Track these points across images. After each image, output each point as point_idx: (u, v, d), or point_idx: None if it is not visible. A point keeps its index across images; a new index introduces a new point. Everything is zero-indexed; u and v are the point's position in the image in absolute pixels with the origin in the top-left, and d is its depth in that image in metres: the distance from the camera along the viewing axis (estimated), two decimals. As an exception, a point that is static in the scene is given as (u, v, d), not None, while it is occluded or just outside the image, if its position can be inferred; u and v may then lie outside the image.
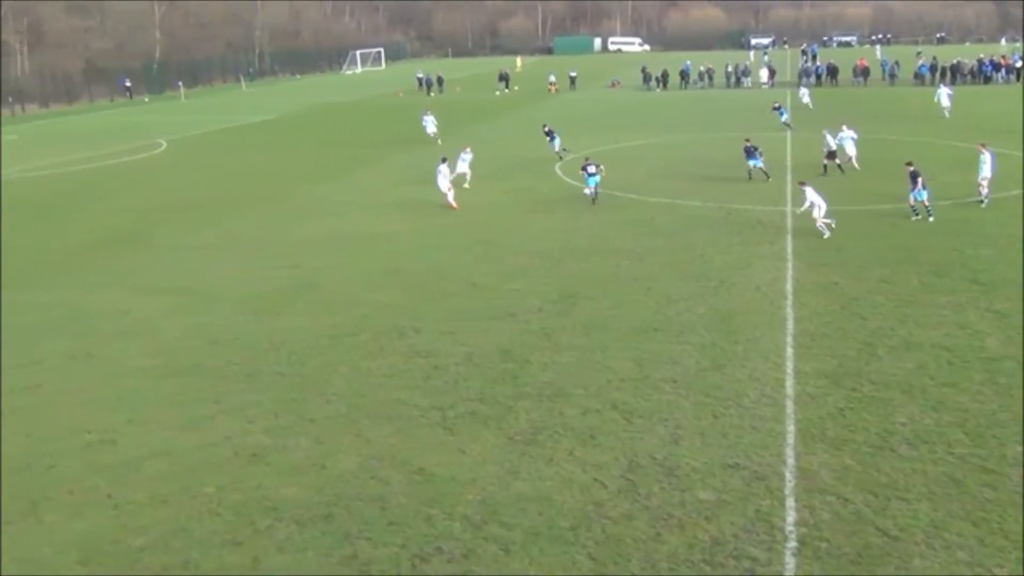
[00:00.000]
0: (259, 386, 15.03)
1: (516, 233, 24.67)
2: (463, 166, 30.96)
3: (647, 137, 42.46)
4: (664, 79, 69.07)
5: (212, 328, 18.08)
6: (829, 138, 30.70)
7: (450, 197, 27.92)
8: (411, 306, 18.88)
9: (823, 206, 22.50)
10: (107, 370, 16.11)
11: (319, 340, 17.06)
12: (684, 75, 70.00)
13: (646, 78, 70.42)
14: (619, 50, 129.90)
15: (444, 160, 28.54)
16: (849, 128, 31.36)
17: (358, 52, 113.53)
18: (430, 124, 42.85)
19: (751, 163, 30.14)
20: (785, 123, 41.88)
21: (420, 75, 77.24)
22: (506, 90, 72.05)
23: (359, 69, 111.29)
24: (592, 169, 27.87)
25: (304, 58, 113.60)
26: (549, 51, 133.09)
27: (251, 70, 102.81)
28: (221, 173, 37.71)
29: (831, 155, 30.46)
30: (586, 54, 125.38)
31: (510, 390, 14.45)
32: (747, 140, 31.15)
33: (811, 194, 22.58)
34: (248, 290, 20.58)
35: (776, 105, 43.89)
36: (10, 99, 73.37)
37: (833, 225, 22.81)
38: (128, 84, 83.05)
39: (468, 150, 31.55)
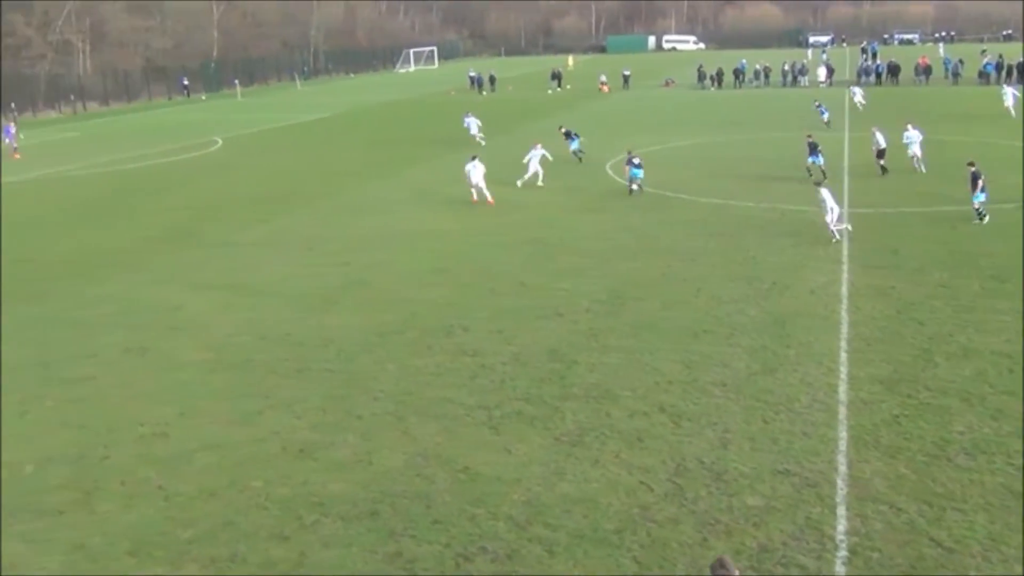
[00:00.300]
0: (307, 382, 15.21)
1: (566, 232, 24.62)
2: (534, 164, 31.03)
3: (700, 136, 42.07)
4: (719, 78, 68.35)
5: (262, 324, 18.35)
6: (879, 136, 30.07)
7: (487, 194, 28.36)
8: (459, 304, 18.95)
9: (836, 209, 22.13)
10: (160, 364, 16.44)
11: (367, 337, 17.21)
12: (739, 73, 69.19)
13: (700, 77, 69.79)
14: (673, 48, 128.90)
15: (475, 158, 29.17)
16: (915, 128, 30.50)
17: (411, 51, 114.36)
18: (473, 125, 42.78)
19: (811, 160, 29.62)
20: (827, 122, 41.32)
21: (472, 74, 77.52)
22: (558, 88, 72.01)
23: (412, 68, 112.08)
24: (637, 161, 28.83)
25: (358, 57, 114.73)
26: (602, 50, 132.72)
27: (306, 69, 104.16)
28: (274, 171, 38.26)
29: (880, 154, 29.84)
30: (640, 52, 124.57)
31: (557, 390, 14.42)
32: (809, 136, 30.75)
33: (826, 195, 22.21)
34: (298, 287, 20.84)
35: (817, 103, 43.55)
36: (72, 97, 75.34)
37: (849, 228, 22.38)
38: (186, 82, 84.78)
39: (538, 146, 31.58)
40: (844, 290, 18.63)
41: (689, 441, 12.51)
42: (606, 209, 27.31)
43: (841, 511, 10.62)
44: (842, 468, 11.58)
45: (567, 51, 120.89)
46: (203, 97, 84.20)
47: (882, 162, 29.81)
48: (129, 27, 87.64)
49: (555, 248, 23.13)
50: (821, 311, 17.46)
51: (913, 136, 30.03)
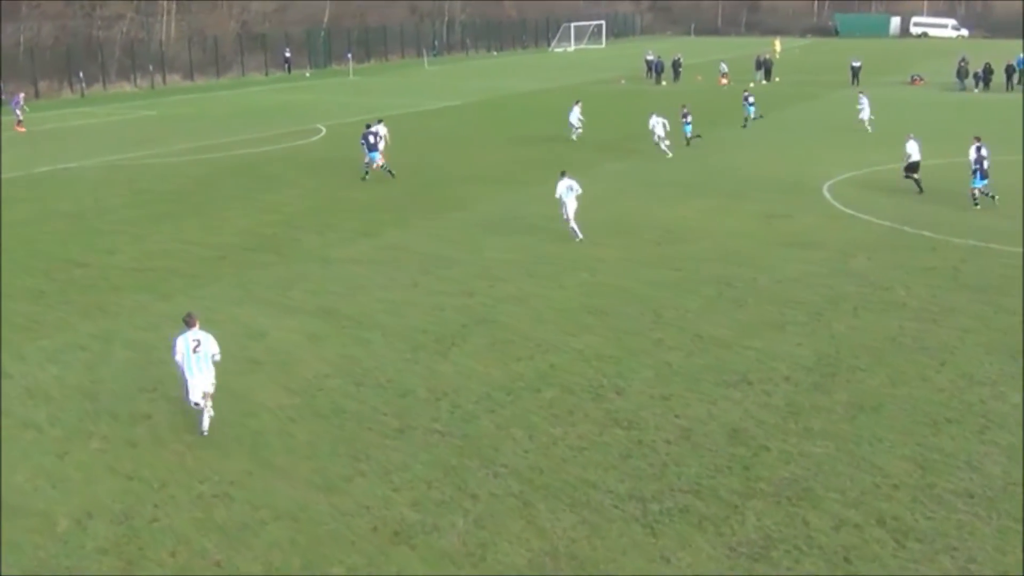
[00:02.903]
0: (411, 445, 15.45)
1: (761, 271, 24.27)
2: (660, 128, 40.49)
3: (955, 154, 40.69)
4: (986, 76, 66.20)
5: (360, 365, 18.81)
6: (911, 144, 32.54)
7: (386, 167, 36.59)
8: (614, 358, 18.92)
9: (571, 206, 27.07)
10: (230, 406, 17.02)
11: (492, 393, 17.38)
12: (1012, 71, 66.81)
13: (961, 74, 67.82)
14: (924, 34, 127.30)
15: (380, 121, 37.91)
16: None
17: (572, 25, 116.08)
18: (574, 116, 45.88)
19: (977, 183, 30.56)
20: (748, 118, 48.39)
21: (650, 57, 77.98)
22: (764, 82, 71.43)
23: (572, 47, 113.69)
24: (690, 118, 41.77)
25: (505, 31, 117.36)
26: (834, 32, 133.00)
27: (437, 43, 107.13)
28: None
29: (911, 167, 32.76)
30: (879, 38, 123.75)
31: (738, 484, 14.15)
32: (977, 139, 30.50)
33: (560, 187, 27.28)
34: (408, 321, 21.27)
35: (746, 93, 50.67)
36: (150, 67, 79.81)
37: (578, 236, 26.89)
38: (288, 55, 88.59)
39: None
40: None
41: (916, 569, 12.04)
42: (821, 246, 26.77)
43: None
44: None
45: (776, 32, 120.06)
46: (307, 74, 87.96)
47: (915, 176, 33.16)
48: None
49: (746, 292, 22.82)
50: (1117, 405, 16.54)
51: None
